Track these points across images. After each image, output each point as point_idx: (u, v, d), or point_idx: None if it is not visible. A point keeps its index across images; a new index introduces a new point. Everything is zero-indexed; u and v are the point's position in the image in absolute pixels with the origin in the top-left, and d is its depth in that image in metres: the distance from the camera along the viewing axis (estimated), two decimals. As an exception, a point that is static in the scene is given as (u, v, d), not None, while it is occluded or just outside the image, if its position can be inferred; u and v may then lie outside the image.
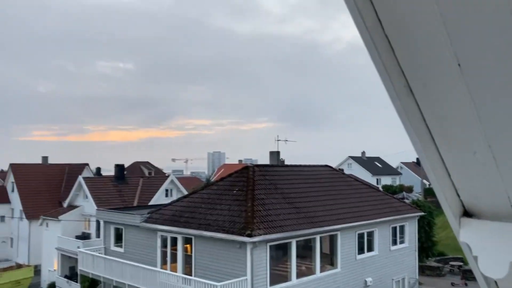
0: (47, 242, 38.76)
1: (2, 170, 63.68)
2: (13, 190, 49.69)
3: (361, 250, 24.81)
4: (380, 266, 25.86)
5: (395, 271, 27.13)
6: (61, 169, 51.90)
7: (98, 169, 54.21)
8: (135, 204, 37.99)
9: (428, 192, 56.30)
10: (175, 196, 38.92)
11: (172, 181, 42.07)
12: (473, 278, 23.95)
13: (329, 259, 23.53)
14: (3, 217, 49.95)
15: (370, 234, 25.57)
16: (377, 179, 72.33)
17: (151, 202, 37.43)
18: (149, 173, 59.90)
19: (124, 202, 38.21)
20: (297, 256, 21.22)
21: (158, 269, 22.51)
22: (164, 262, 23.33)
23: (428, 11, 1.19)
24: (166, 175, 52.06)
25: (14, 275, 35.98)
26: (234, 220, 20.20)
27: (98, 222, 34.39)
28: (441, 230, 41.97)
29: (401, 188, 62.22)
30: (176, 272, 21.97)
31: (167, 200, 34.99)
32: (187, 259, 22.12)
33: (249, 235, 18.80)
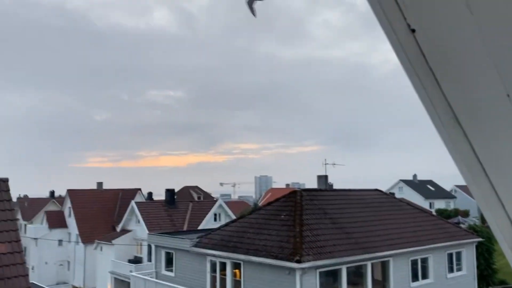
0: (101, 266, 39.88)
1: (60, 196, 66.51)
2: (70, 215, 51.72)
3: (415, 278, 23.82)
4: (436, 295, 24.66)
5: (453, 300, 25.77)
6: (115, 194, 53.64)
7: (150, 194, 55.58)
8: (185, 228, 38.52)
9: (486, 216, 53.41)
10: (223, 220, 39.17)
11: (220, 206, 42.43)
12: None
13: (381, 287, 22.74)
14: (61, 241, 51.94)
15: (424, 261, 24.55)
16: (430, 203, 69.69)
17: (200, 227, 37.81)
18: (198, 198, 60.76)
19: (174, 226, 38.85)
20: (348, 283, 20.65)
21: (208, 294, 22.53)
22: (213, 287, 23.37)
23: (473, 44, 1.19)
24: (215, 199, 52.60)
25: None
26: (282, 245, 20.01)
27: (149, 246, 35.05)
28: (502, 257, 39.58)
29: (456, 213, 59.60)
30: (225, 297, 21.91)
31: (216, 224, 35.25)
32: (236, 284, 22.05)
33: (298, 261, 18.54)
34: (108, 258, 38.72)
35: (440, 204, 71.07)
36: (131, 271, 31.83)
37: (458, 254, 26.73)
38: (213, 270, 23.43)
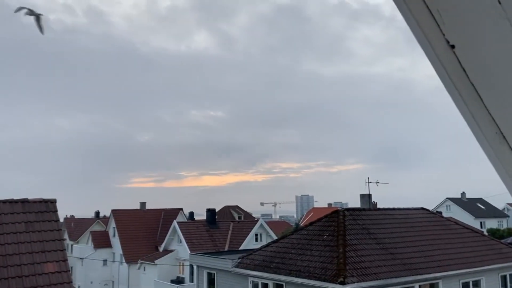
0: (145, 286, 40.36)
1: (104, 216, 68.27)
2: (114, 235, 52.87)
3: (467, 301, 22.69)
4: (490, 320, 23.36)
5: (509, 326, 24.32)
6: (157, 214, 54.51)
7: (191, 214, 56.13)
8: (226, 248, 38.54)
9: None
10: (264, 240, 38.91)
11: (261, 225, 42.24)
12: None
13: (430, 311, 21.75)
14: (105, 260, 53.06)
15: (477, 283, 23.39)
16: (481, 222, 66.82)
17: (242, 247, 37.72)
18: (239, 217, 60.84)
19: (215, 246, 38.95)
20: (395, 306, 19.89)
21: (250, 315, 22.26)
22: (255, 309, 23.07)
23: None
24: (255, 219, 52.48)
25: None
26: (325, 266, 19.61)
27: (191, 267, 35.22)
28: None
29: (510, 232, 56.81)
30: (267, 319, 21.56)
31: (257, 245, 35.05)
32: (279, 306, 21.68)
33: (342, 283, 18.07)
34: (151, 278, 39.17)
35: (491, 223, 68.04)
36: (173, 291, 32.01)
37: (513, 277, 25.31)
38: (255, 291, 23.17)
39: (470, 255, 23.86)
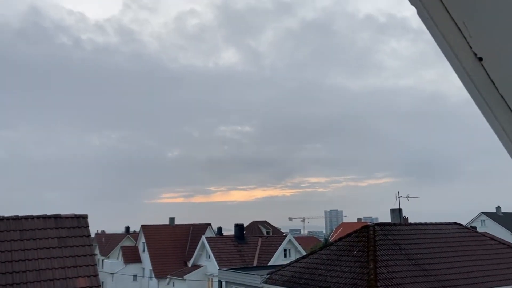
0: (174, 301, 40.42)
1: (134, 231, 69.07)
2: (144, 250, 53.34)
3: (505, 321, 21.78)
4: None
5: None
6: (186, 229, 54.79)
7: (220, 229, 56.18)
8: (254, 264, 38.30)
9: None
10: (293, 256, 38.52)
11: (290, 241, 41.85)
12: None
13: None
14: (135, 275, 53.52)
15: (515, 302, 22.45)
16: (518, 238, 64.38)
17: (270, 262, 37.41)
18: (267, 232, 60.51)
19: (244, 262, 38.77)
20: (429, 325, 19.29)
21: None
22: (285, 326, 22.76)
23: None
24: (284, 234, 52.08)
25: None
26: (356, 282, 19.25)
27: (220, 282, 35.13)
28: None
29: (549, 248, 54.41)
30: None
31: (285, 260, 34.71)
32: (308, 323, 21.34)
33: (373, 300, 17.66)
34: (180, 294, 39.22)
35: (529, 238, 65.48)
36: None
37: (554, 295, 24.20)
38: (284, 307, 22.89)
39: (508, 272, 23.00)
